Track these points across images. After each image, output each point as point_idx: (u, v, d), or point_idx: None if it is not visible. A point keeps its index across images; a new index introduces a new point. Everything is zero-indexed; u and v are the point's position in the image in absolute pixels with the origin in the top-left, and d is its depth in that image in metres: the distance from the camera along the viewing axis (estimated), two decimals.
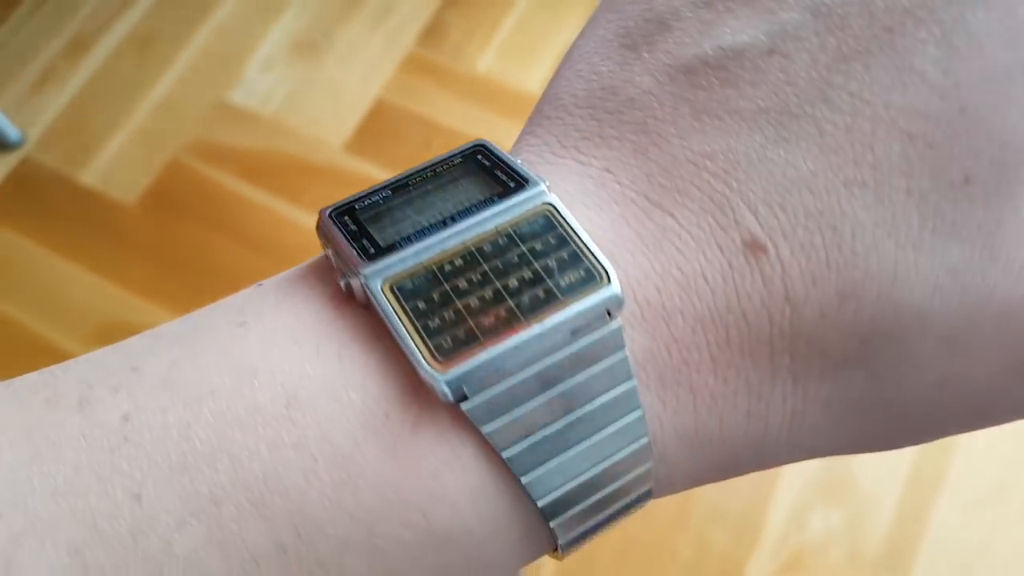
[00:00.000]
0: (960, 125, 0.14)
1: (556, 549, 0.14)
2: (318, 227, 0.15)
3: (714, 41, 0.15)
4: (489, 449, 0.13)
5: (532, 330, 0.13)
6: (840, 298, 0.13)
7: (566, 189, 0.15)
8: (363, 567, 0.12)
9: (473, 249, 0.14)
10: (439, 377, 0.12)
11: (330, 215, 0.14)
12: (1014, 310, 0.14)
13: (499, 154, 0.15)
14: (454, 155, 0.15)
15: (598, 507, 0.14)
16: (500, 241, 0.14)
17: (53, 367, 0.13)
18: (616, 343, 0.13)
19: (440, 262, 0.13)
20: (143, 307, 0.90)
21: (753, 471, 0.15)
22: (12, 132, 0.99)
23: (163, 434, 0.12)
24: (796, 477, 0.78)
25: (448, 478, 0.13)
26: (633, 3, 0.16)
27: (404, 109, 1.00)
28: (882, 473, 0.78)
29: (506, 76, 1.01)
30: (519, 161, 0.15)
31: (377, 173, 0.96)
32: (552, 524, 0.13)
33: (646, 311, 0.14)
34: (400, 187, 0.15)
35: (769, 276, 0.14)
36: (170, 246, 0.93)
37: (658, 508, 0.74)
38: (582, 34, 0.17)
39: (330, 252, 0.14)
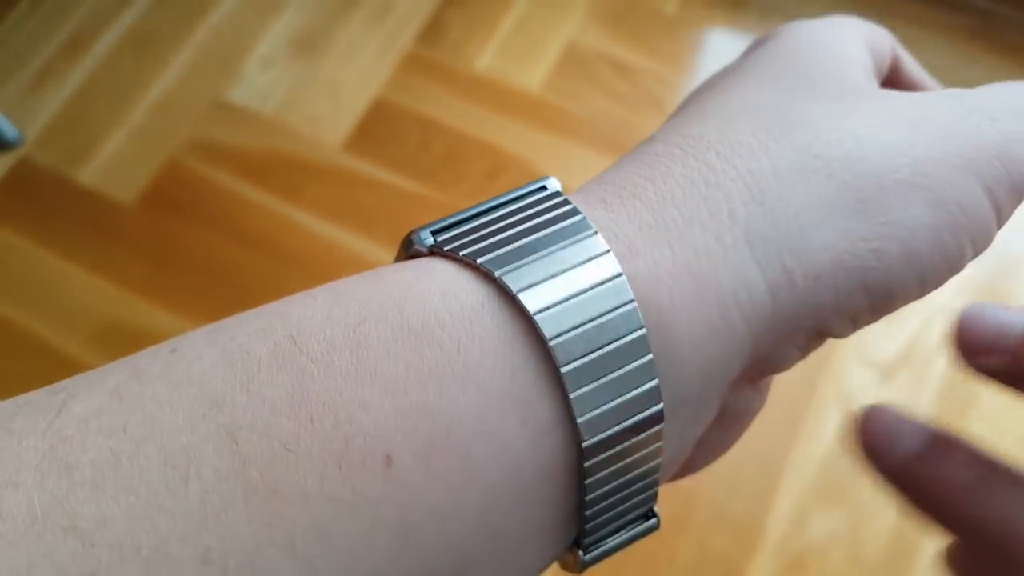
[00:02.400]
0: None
1: (562, 386, 0.14)
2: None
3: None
4: (457, 264, 0.15)
5: (492, 200, 0.17)
6: (738, 115, 0.17)
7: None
8: (346, 361, 0.13)
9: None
10: (419, 230, 0.16)
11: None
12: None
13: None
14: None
15: (573, 298, 0.14)
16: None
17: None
18: (560, 198, 0.16)
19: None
20: (141, 306, 0.89)
21: (766, 287, 0.15)
22: (10, 131, 0.99)
23: (200, 340, 0.15)
24: (797, 479, 0.78)
25: (422, 284, 0.15)
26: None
27: (403, 108, 0.99)
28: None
29: (506, 75, 1.01)
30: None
31: (376, 172, 0.96)
32: (531, 312, 0.14)
33: (586, 187, 0.17)
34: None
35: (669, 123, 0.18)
36: (168, 245, 0.93)
37: (659, 509, 0.73)
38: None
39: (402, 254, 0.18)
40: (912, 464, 0.19)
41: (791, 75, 0.17)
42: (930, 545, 0.75)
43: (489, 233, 0.15)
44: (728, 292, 0.15)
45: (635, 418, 0.14)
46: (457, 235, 0.16)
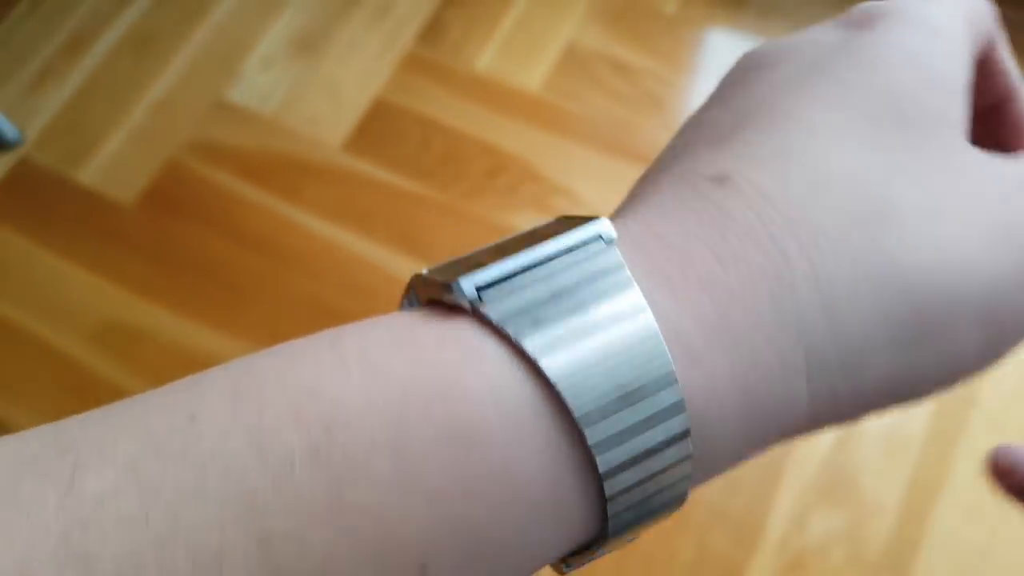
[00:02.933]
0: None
1: (597, 475, 0.14)
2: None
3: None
4: (507, 349, 0.14)
5: (536, 250, 0.15)
6: (812, 187, 0.15)
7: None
8: (386, 467, 0.13)
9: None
10: (458, 280, 0.14)
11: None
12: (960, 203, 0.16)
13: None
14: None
15: (624, 401, 0.14)
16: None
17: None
18: (615, 260, 0.15)
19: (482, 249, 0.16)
20: (141, 306, 0.89)
21: (812, 399, 0.15)
22: (10, 131, 0.99)
23: (221, 375, 0.14)
24: (797, 478, 0.78)
25: (468, 373, 0.13)
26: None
27: (403, 108, 0.99)
28: (883, 474, 0.77)
29: (506, 74, 1.01)
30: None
31: (376, 172, 0.96)
32: (577, 416, 0.13)
33: (638, 236, 0.15)
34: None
35: (741, 188, 0.15)
36: (168, 245, 0.93)
37: None
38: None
39: (410, 296, 0.17)
40: None
41: (890, 122, 0.16)
42: (929, 544, 0.75)
43: (540, 302, 0.14)
44: (773, 414, 0.15)
45: (660, 515, 0.15)
46: (504, 296, 0.14)
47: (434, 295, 0.15)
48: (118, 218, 0.95)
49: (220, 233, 0.93)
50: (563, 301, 0.14)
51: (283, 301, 0.89)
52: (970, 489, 0.76)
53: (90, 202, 0.96)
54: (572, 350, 0.14)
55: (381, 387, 0.13)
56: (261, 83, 1.02)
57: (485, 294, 0.14)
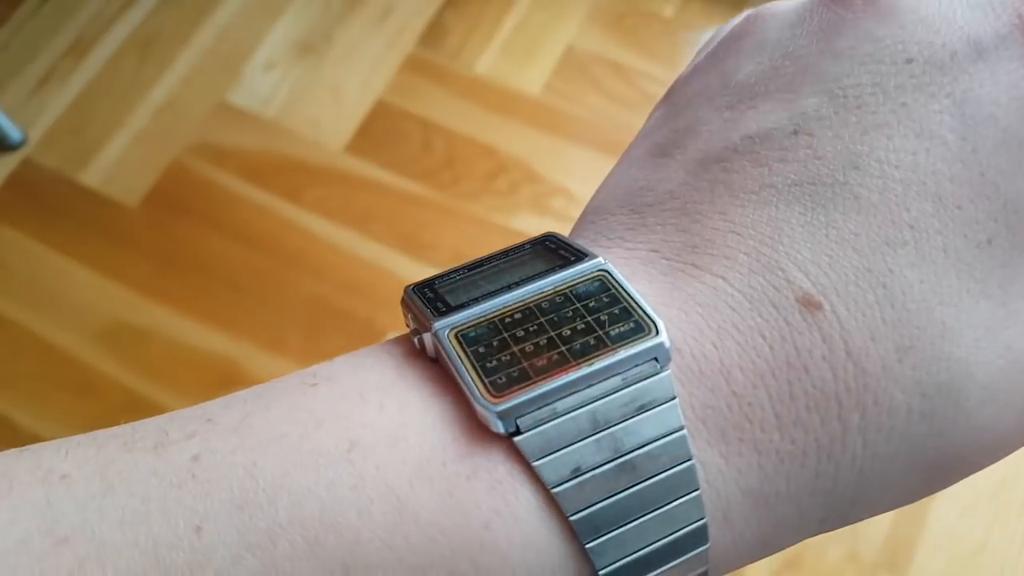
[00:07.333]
0: (981, 188, 0.14)
1: None
2: (402, 301, 0.16)
3: (740, 132, 0.16)
4: (541, 499, 0.13)
5: (581, 371, 0.14)
6: (899, 353, 0.14)
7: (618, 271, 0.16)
8: None
9: (532, 305, 0.15)
10: (492, 408, 0.13)
11: (412, 289, 0.16)
12: None
13: (564, 238, 0.17)
14: (526, 242, 0.17)
15: (648, 562, 0.14)
16: (557, 299, 0.15)
17: (135, 422, 0.14)
18: (666, 392, 0.14)
19: (501, 315, 0.15)
20: (144, 307, 0.90)
21: (817, 533, 0.15)
22: (14, 132, 0.99)
23: (229, 472, 0.13)
24: None
25: (499, 528, 0.13)
26: (660, 125, 0.18)
27: (404, 110, 1.00)
28: None
29: (506, 77, 1.02)
30: (581, 242, 0.16)
31: (377, 174, 0.96)
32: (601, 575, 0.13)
33: (704, 366, 0.14)
34: (475, 266, 0.17)
35: (828, 332, 0.14)
36: (171, 246, 0.94)
37: None
38: (616, 163, 0.18)
39: (409, 317, 0.16)
40: None
41: (1001, 245, 0.14)
42: (926, 542, 0.75)
43: (578, 439, 0.13)
44: (780, 547, 0.15)
45: None
46: (541, 423, 0.13)
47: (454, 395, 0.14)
48: (121, 219, 0.96)
49: (223, 234, 0.94)
50: (603, 441, 0.13)
51: (285, 301, 0.90)
52: (967, 488, 0.76)
53: (94, 203, 0.97)
54: (606, 506, 0.13)
55: (405, 528, 0.12)
56: (263, 85, 1.03)
57: (522, 422, 0.13)
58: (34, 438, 0.83)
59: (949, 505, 0.76)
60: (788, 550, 0.75)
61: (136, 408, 0.84)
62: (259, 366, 0.86)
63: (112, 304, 0.90)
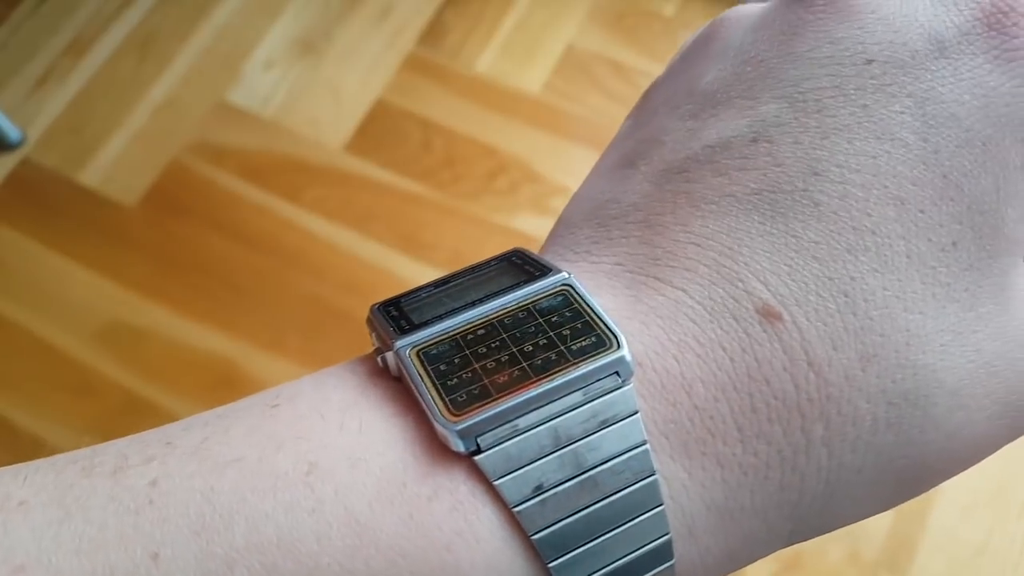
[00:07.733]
0: (944, 190, 0.14)
1: None
2: (367, 320, 0.16)
3: (701, 141, 0.16)
4: (503, 519, 0.13)
5: (541, 387, 0.13)
6: (863, 362, 0.14)
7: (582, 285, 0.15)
8: None
9: (494, 321, 0.15)
10: (452, 427, 0.13)
11: (378, 308, 0.16)
12: (999, 366, 0.14)
13: (530, 253, 0.17)
14: (492, 258, 0.17)
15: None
16: (520, 314, 0.15)
17: (96, 445, 0.14)
18: (628, 406, 0.13)
19: (464, 332, 0.15)
20: (143, 307, 0.90)
21: (787, 545, 0.15)
22: (12, 132, 0.99)
23: (186, 497, 0.12)
24: None
25: (461, 550, 0.13)
26: (628, 136, 0.18)
27: (404, 109, 1.00)
28: None
29: (506, 76, 1.02)
30: (547, 258, 0.16)
31: (377, 173, 0.96)
32: None
33: (665, 380, 0.14)
34: (442, 283, 0.16)
35: (788, 343, 0.14)
36: (170, 246, 0.93)
37: None
38: (588, 175, 0.18)
39: (374, 336, 0.16)
40: None
41: (967, 249, 0.14)
42: (927, 542, 0.75)
43: (539, 457, 0.13)
44: (747, 562, 0.15)
45: None
46: (501, 441, 0.13)
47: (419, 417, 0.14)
48: (120, 219, 0.95)
49: (222, 233, 0.94)
50: (565, 458, 0.13)
51: (284, 301, 0.89)
52: (967, 487, 0.76)
53: (92, 203, 0.97)
54: (569, 524, 0.13)
55: (368, 556, 0.12)
56: (262, 84, 1.03)
57: (483, 440, 0.13)
58: (33, 438, 0.83)
59: (950, 505, 0.76)
60: (788, 551, 0.75)
61: (135, 408, 0.83)
62: (258, 366, 0.86)
63: (111, 304, 0.90)
